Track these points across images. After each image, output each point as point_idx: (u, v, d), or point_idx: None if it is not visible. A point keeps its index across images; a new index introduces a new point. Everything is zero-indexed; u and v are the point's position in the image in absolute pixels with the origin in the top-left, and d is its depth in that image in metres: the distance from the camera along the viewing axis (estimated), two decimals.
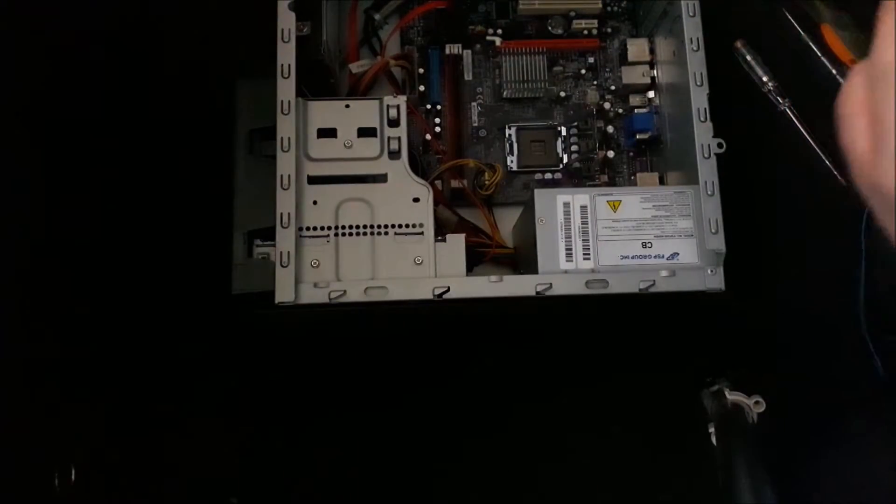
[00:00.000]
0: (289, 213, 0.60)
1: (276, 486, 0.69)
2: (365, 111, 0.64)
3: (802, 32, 0.79)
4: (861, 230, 0.73)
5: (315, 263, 0.61)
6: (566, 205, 0.62)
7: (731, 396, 0.67)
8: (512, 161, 0.74)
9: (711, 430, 0.68)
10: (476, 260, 0.68)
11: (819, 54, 0.79)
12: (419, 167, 0.70)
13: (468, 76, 0.75)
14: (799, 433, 0.69)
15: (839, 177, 0.76)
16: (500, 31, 0.76)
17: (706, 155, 0.62)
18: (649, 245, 0.61)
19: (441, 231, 0.63)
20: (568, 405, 0.71)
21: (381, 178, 0.63)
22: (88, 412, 0.69)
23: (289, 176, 0.60)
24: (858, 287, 0.71)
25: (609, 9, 0.77)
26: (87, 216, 0.72)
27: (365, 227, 0.62)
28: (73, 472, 0.67)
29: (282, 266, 0.59)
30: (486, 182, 0.70)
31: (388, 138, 0.63)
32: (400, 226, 0.62)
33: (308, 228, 0.61)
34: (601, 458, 0.70)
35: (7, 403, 0.67)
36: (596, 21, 0.76)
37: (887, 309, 0.70)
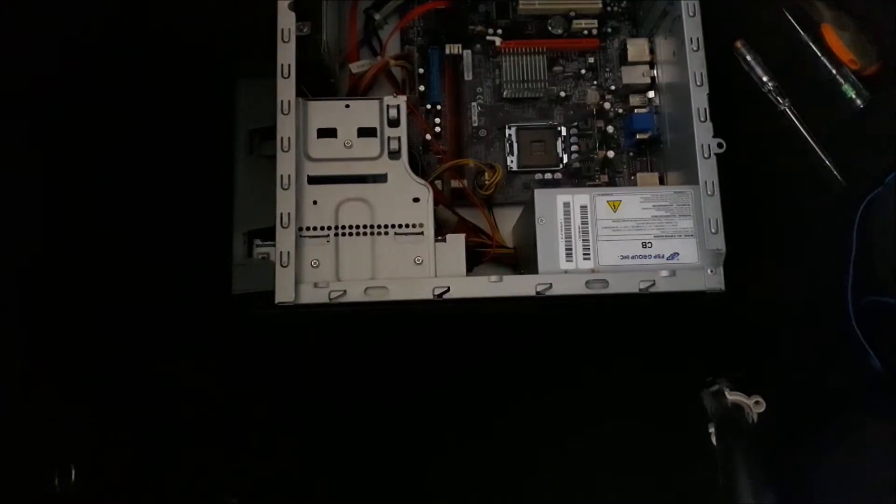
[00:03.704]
0: (289, 213, 0.60)
1: (276, 486, 0.69)
2: (365, 111, 0.64)
3: (802, 32, 0.80)
4: (854, 226, 0.73)
5: (315, 263, 0.61)
6: (566, 205, 0.62)
7: (731, 396, 0.67)
8: (512, 161, 0.74)
9: (711, 430, 0.68)
10: (476, 260, 0.68)
11: (819, 54, 0.79)
12: (419, 167, 0.70)
13: (468, 76, 0.75)
14: (799, 433, 0.69)
15: (839, 177, 0.76)
16: (500, 31, 0.76)
17: (706, 155, 0.62)
18: (649, 245, 0.61)
19: (441, 231, 0.63)
20: (568, 405, 0.71)
21: (381, 178, 0.63)
22: (88, 412, 0.69)
23: (289, 176, 0.60)
24: (848, 282, 0.71)
25: (609, 9, 0.77)
26: (88, 216, 0.72)
27: (365, 227, 0.62)
28: (73, 472, 0.67)
29: (282, 266, 0.59)
30: (486, 182, 0.70)
31: (388, 138, 0.63)
32: (400, 226, 0.62)
33: (308, 228, 0.61)
34: (601, 458, 0.70)
35: (7, 404, 0.67)
36: (596, 21, 0.76)
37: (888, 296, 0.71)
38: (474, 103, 0.75)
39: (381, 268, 0.61)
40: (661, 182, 0.72)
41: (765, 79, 0.77)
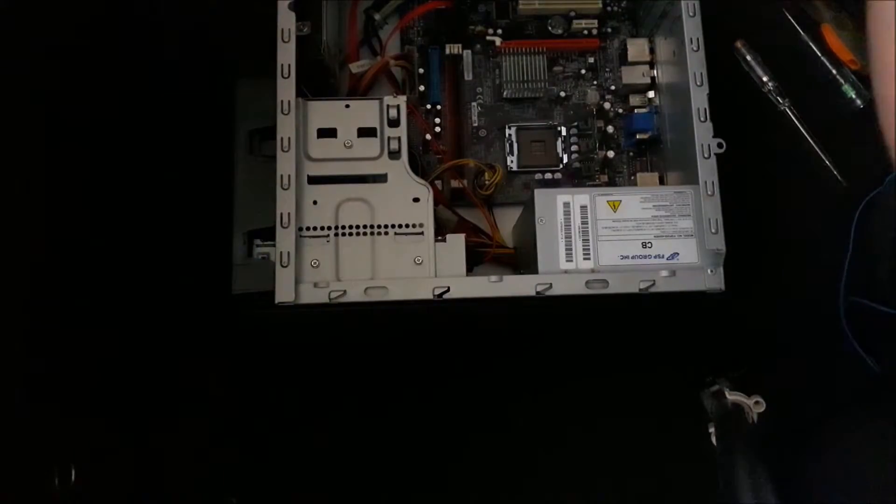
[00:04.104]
0: (289, 213, 0.60)
1: (276, 486, 0.69)
2: (365, 111, 0.64)
3: (802, 32, 0.80)
4: (852, 228, 0.73)
5: (315, 263, 0.61)
6: (566, 205, 0.62)
7: (731, 396, 0.67)
8: (512, 161, 0.74)
9: (711, 430, 0.68)
10: (476, 260, 0.68)
11: (819, 54, 0.79)
12: (419, 167, 0.70)
13: (468, 76, 0.75)
14: (799, 433, 0.69)
15: (838, 176, 0.76)
16: (500, 31, 0.76)
17: (706, 155, 0.62)
18: (649, 245, 0.61)
19: (441, 231, 0.63)
20: (568, 405, 0.71)
21: (381, 178, 0.63)
22: (88, 412, 0.69)
23: (289, 176, 0.60)
24: (841, 282, 0.71)
25: (609, 9, 0.77)
26: (88, 216, 0.72)
27: (365, 227, 0.62)
28: (73, 472, 0.67)
29: (282, 266, 0.59)
30: (486, 182, 0.70)
31: (388, 138, 0.63)
32: (400, 226, 0.62)
33: (308, 228, 0.61)
34: (601, 458, 0.70)
35: (7, 404, 0.67)
36: (596, 21, 0.76)
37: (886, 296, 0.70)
38: (474, 103, 0.75)
39: (381, 268, 0.61)
40: (661, 182, 0.72)
41: (765, 79, 0.77)
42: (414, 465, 0.70)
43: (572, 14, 0.76)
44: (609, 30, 0.77)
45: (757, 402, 0.66)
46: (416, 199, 0.62)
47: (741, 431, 0.67)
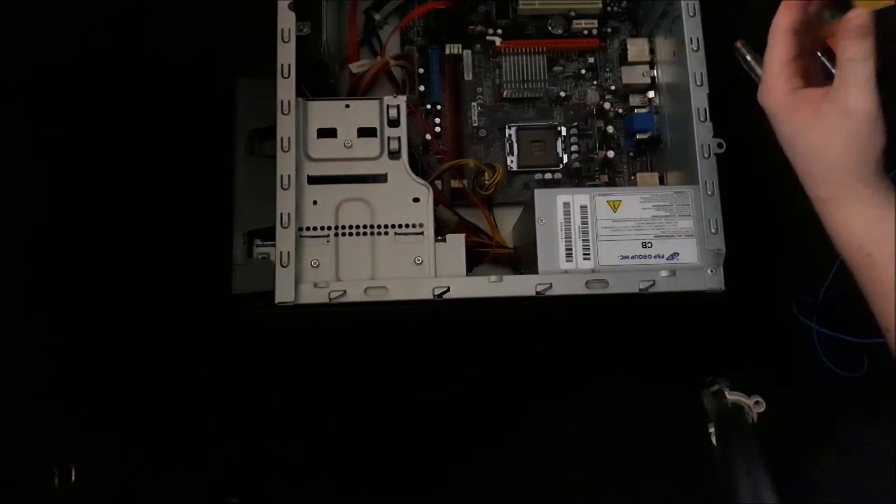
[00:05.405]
0: (289, 213, 0.60)
1: (276, 486, 0.69)
2: (365, 111, 0.64)
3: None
4: None
5: (315, 263, 0.61)
6: (566, 205, 0.62)
7: (731, 396, 0.67)
8: (512, 161, 0.74)
9: (711, 430, 0.68)
10: (476, 260, 0.68)
11: (819, 54, 0.79)
12: (419, 167, 0.70)
13: (468, 76, 0.75)
14: (799, 433, 0.69)
15: None
16: (500, 31, 0.76)
17: (706, 155, 0.62)
18: (649, 245, 0.61)
19: (441, 231, 0.63)
20: (568, 405, 0.71)
21: (381, 178, 0.63)
22: (88, 412, 0.69)
23: (289, 176, 0.60)
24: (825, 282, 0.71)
25: (609, 9, 0.77)
26: (88, 216, 0.72)
27: (365, 227, 0.62)
28: (73, 472, 0.67)
29: (282, 266, 0.59)
30: (486, 182, 0.70)
31: (388, 138, 0.63)
32: (400, 226, 0.62)
33: (308, 228, 0.61)
34: (601, 458, 0.70)
35: (7, 403, 0.67)
36: (596, 21, 0.76)
37: None
38: (474, 103, 0.75)
39: (381, 268, 0.61)
40: (661, 182, 0.72)
41: None
42: (414, 465, 0.70)
43: (572, 14, 0.76)
44: (609, 30, 0.77)
45: (757, 402, 0.66)
46: (416, 199, 0.62)
47: (741, 431, 0.67)
